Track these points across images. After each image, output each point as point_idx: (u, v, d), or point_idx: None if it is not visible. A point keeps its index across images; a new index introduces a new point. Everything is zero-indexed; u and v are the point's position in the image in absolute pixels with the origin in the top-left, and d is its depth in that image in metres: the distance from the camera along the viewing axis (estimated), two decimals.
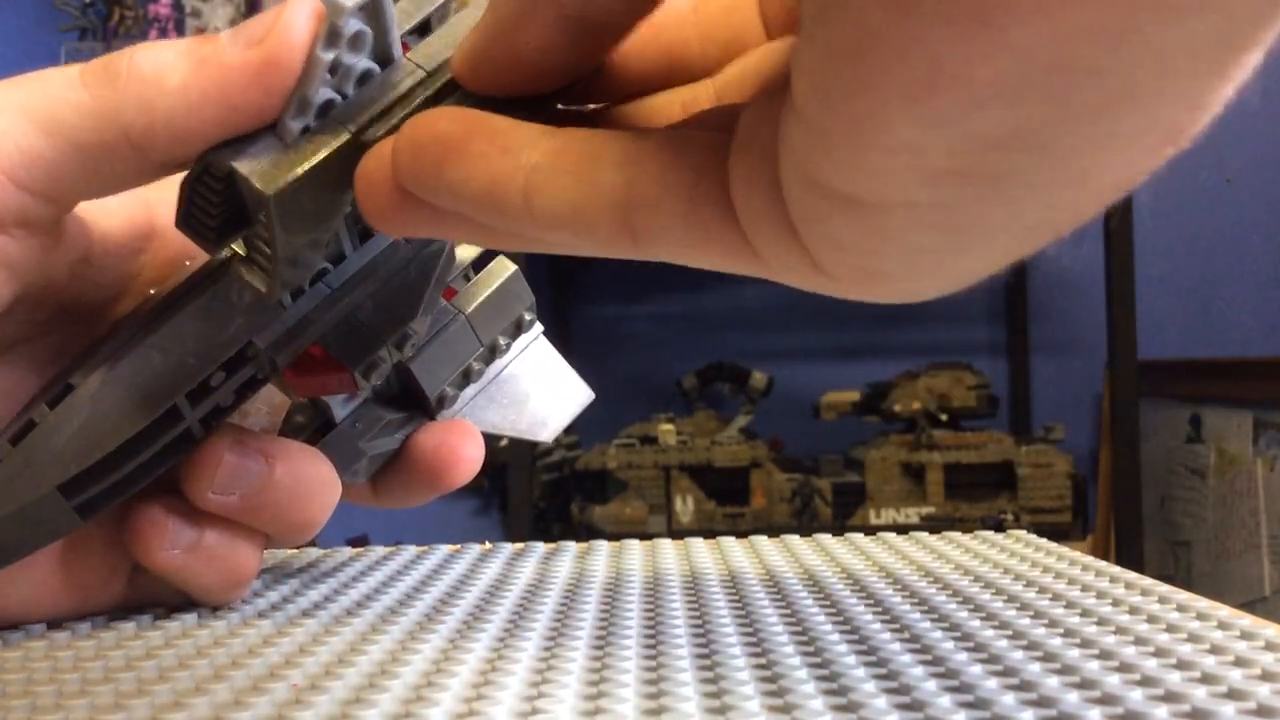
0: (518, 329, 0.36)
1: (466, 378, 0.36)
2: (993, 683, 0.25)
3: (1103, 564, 0.39)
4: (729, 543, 0.45)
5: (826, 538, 0.46)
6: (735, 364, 2.01)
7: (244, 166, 0.27)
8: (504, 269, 0.36)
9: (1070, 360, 2.11)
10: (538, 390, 0.38)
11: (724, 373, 2.00)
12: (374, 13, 0.27)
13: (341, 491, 0.34)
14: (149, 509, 0.31)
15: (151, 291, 0.32)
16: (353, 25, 0.27)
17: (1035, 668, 0.26)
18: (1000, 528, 0.49)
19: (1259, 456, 1.72)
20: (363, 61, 0.27)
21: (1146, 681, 0.25)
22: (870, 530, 0.51)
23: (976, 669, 0.26)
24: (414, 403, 0.35)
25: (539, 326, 0.37)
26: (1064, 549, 0.43)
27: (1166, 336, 1.97)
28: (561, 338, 2.14)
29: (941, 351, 2.01)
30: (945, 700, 0.24)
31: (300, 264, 0.29)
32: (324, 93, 0.27)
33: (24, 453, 0.29)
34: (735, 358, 2.02)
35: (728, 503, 1.83)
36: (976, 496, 1.80)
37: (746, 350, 2.08)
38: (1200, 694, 0.24)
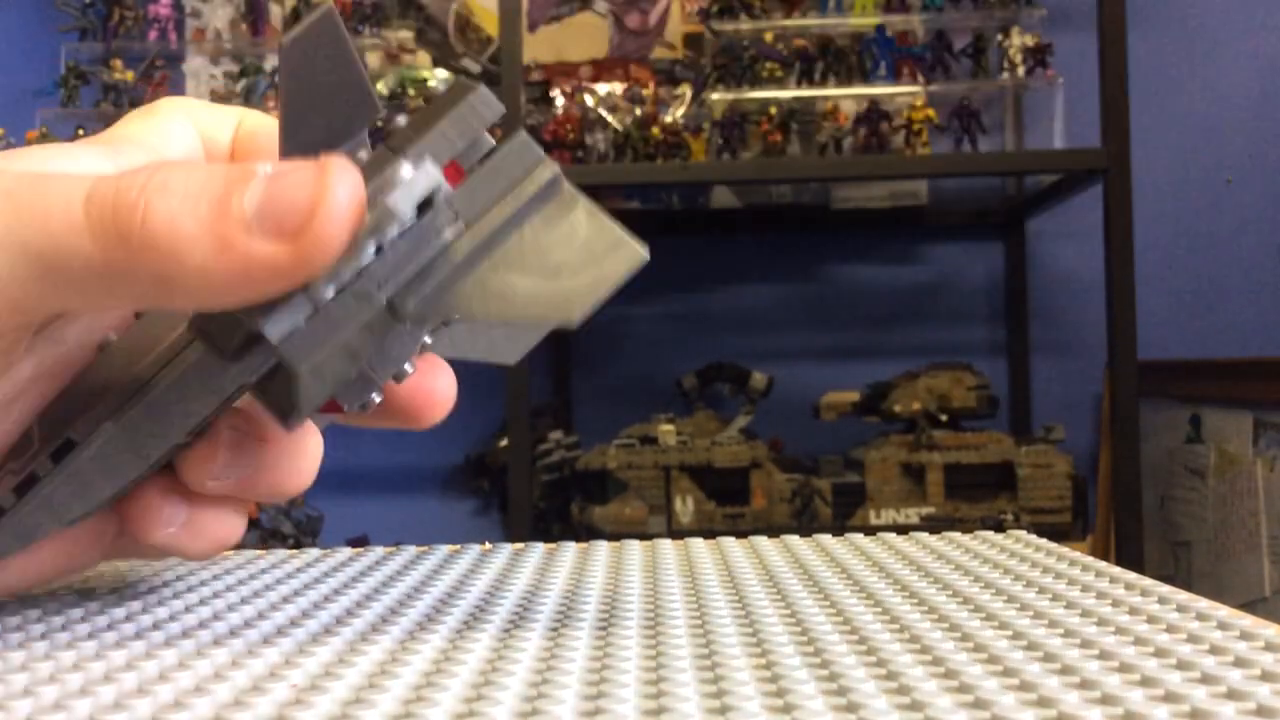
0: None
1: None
2: (993, 683, 0.25)
3: (1103, 564, 0.39)
4: (729, 543, 0.45)
5: (826, 538, 0.46)
6: (735, 364, 2.00)
7: (274, 333, 0.26)
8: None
9: (1070, 360, 2.11)
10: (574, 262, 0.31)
11: (724, 373, 2.00)
12: (425, 204, 0.26)
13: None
14: (143, 492, 0.31)
15: (112, 336, 0.31)
16: (402, 214, 0.26)
17: (1035, 668, 0.26)
18: (1000, 528, 0.49)
19: (1259, 456, 1.72)
20: (403, 221, 0.27)
21: (1146, 682, 0.25)
22: (870, 530, 0.51)
23: (976, 669, 0.26)
24: None
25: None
26: (1064, 549, 0.43)
27: (1166, 336, 1.97)
28: (562, 338, 2.14)
29: (941, 352, 2.01)
30: (945, 700, 0.24)
31: (322, 398, 0.29)
32: (360, 262, 0.27)
33: (28, 503, 0.30)
34: (735, 358, 2.02)
35: (728, 503, 1.83)
36: (976, 497, 1.80)
37: (746, 350, 2.08)
38: (1200, 694, 0.24)
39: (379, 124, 0.27)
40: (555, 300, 0.28)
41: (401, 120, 0.31)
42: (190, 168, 0.26)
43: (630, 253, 0.29)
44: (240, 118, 0.35)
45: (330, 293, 0.27)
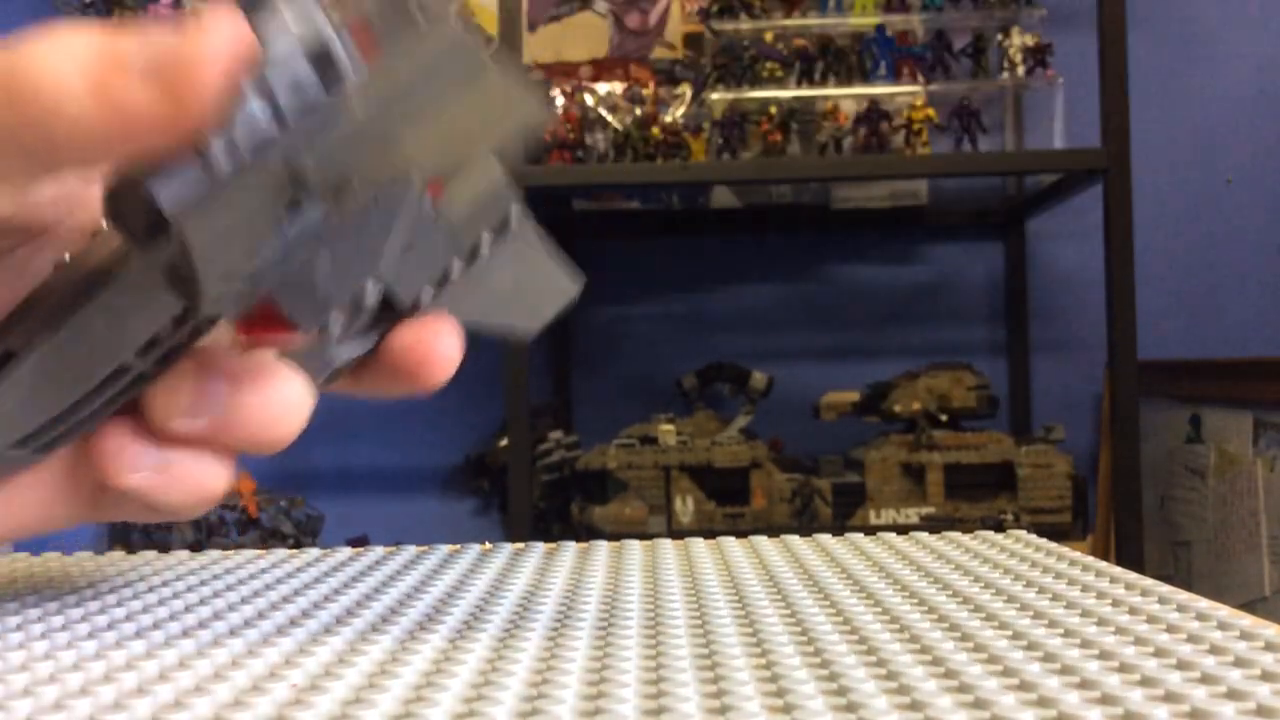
0: (503, 228, 0.31)
1: (445, 281, 0.31)
2: (993, 683, 0.25)
3: (1103, 564, 0.39)
4: (729, 543, 0.45)
5: (826, 538, 0.46)
6: (735, 364, 2.00)
7: (165, 197, 0.25)
8: (490, 169, 0.30)
9: (1070, 360, 2.11)
10: (523, 280, 0.32)
11: (724, 373, 2.00)
12: (319, 57, 0.25)
13: (315, 398, 0.32)
14: (113, 431, 0.30)
15: (67, 257, 0.30)
16: (290, 73, 0.25)
17: (1035, 668, 0.26)
18: (1000, 528, 0.49)
19: (1259, 456, 1.72)
20: (305, 89, 0.25)
21: (1146, 682, 0.25)
22: (870, 530, 0.51)
23: (976, 669, 0.26)
24: (387, 303, 0.31)
25: (520, 212, 0.32)
26: (1064, 549, 0.43)
27: (1166, 336, 1.97)
28: (561, 337, 2.14)
29: (941, 351, 2.01)
30: (945, 700, 0.24)
31: (231, 278, 0.27)
32: (256, 126, 0.25)
33: None
34: (735, 358, 2.02)
35: (728, 503, 1.83)
36: (976, 497, 1.80)
37: (746, 350, 2.08)
38: (1200, 694, 0.24)
39: None
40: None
41: None
42: (87, 27, 0.25)
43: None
44: None
45: (227, 164, 0.25)
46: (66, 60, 0.25)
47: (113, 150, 0.25)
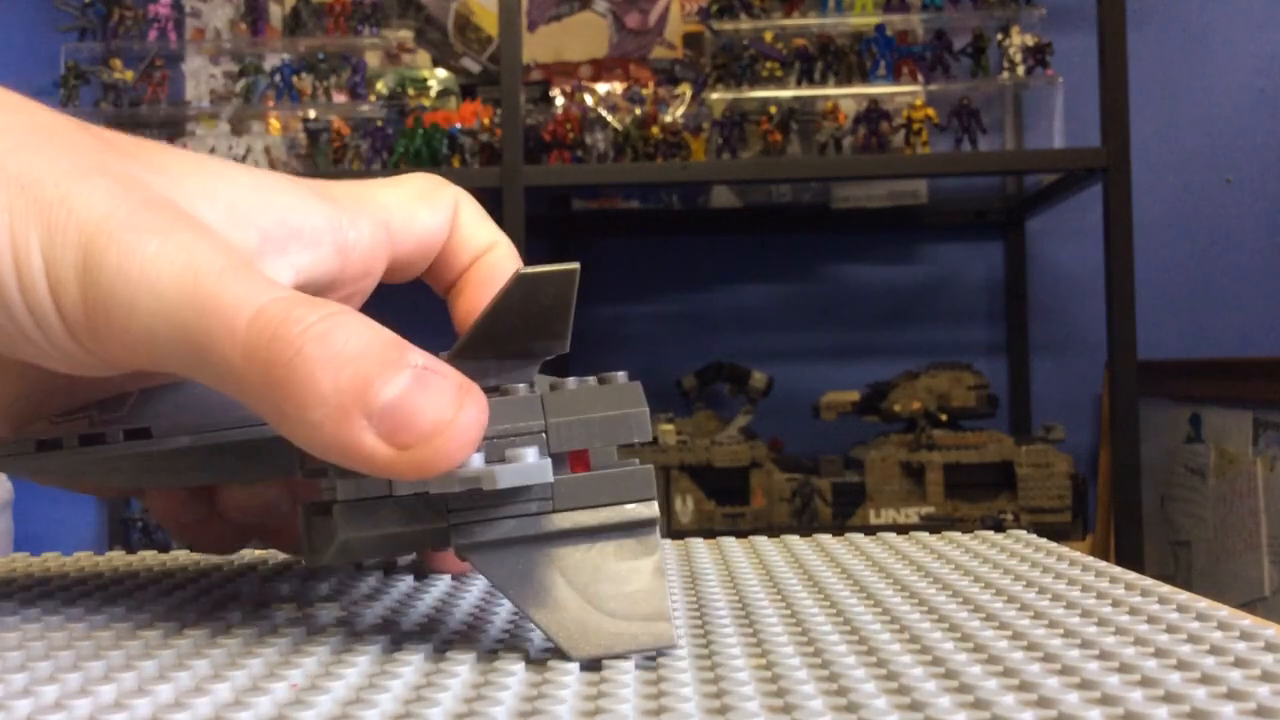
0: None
1: None
2: (993, 683, 0.25)
3: (1103, 564, 0.39)
4: (729, 543, 0.45)
5: (826, 538, 0.46)
6: (735, 364, 2.01)
7: (341, 493, 0.28)
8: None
9: (1070, 360, 2.11)
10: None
11: (724, 373, 2.00)
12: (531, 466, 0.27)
13: None
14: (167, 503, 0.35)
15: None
16: (501, 487, 0.27)
17: (1035, 668, 0.26)
18: (1000, 528, 0.49)
19: (1259, 456, 1.72)
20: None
21: (1146, 682, 0.25)
22: (870, 530, 0.51)
23: (976, 669, 0.26)
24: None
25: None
26: (1064, 549, 0.43)
27: (1166, 336, 1.97)
28: None
29: (941, 351, 2.01)
30: (945, 700, 0.24)
31: (341, 561, 0.31)
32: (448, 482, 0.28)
33: (85, 454, 0.32)
34: (735, 358, 2.02)
35: (728, 503, 1.83)
36: (976, 496, 1.80)
37: (746, 350, 2.08)
38: (1200, 695, 0.24)
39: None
40: (574, 624, 0.28)
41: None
42: (358, 329, 0.26)
43: (661, 633, 0.28)
44: (495, 243, 0.36)
45: (407, 489, 0.27)
46: (328, 370, 0.25)
47: (329, 457, 0.26)
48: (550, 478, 0.27)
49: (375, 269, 0.34)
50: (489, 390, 0.28)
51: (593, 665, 0.28)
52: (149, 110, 1.97)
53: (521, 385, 0.29)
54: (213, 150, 1.94)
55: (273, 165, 1.92)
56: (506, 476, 0.27)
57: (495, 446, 0.28)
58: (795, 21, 1.92)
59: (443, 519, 0.28)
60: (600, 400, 0.29)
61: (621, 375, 0.30)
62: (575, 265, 0.28)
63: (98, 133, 0.30)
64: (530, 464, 0.27)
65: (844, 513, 1.80)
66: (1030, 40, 1.87)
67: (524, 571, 0.28)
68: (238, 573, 0.40)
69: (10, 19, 2.15)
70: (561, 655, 0.28)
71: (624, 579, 0.29)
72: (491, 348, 0.29)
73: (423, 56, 2.15)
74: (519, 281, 0.28)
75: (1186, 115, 2.10)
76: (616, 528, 0.29)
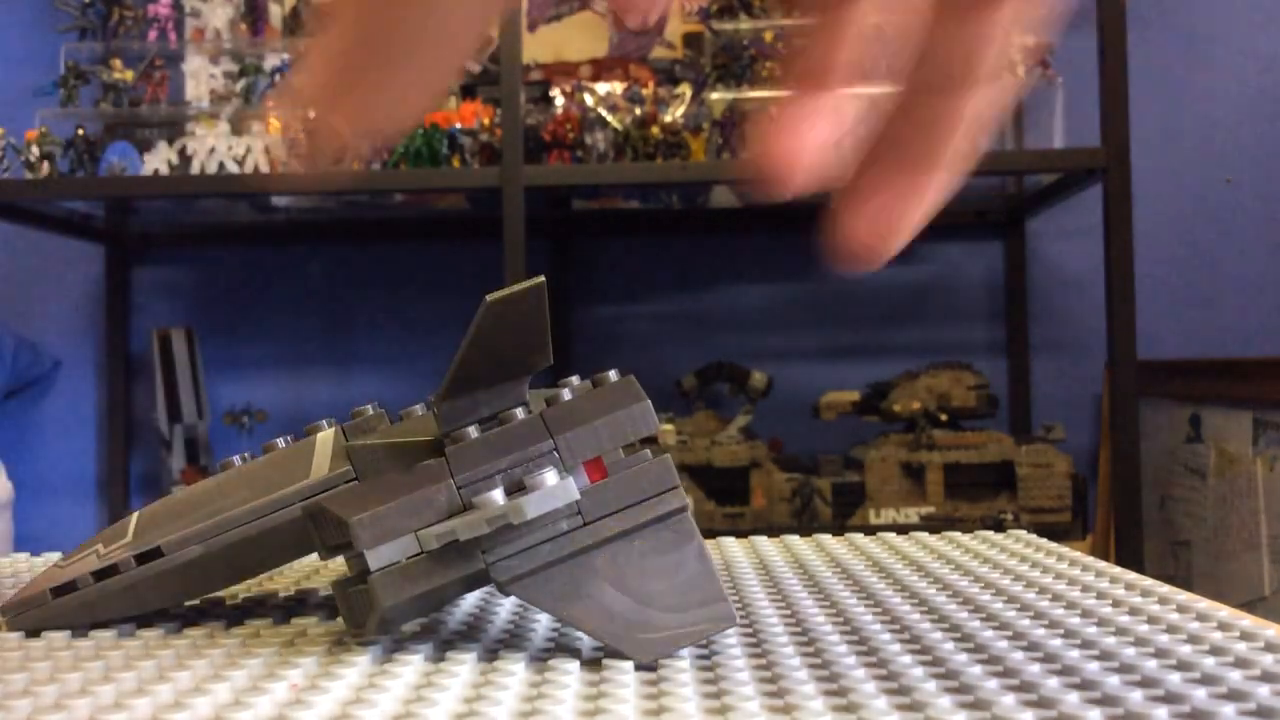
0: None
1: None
2: (993, 683, 0.25)
3: (1103, 564, 0.39)
4: (729, 543, 0.45)
5: (826, 538, 0.46)
6: (735, 364, 2.00)
7: (374, 561, 0.28)
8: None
9: (1070, 360, 2.11)
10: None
11: (724, 373, 2.00)
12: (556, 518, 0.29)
13: None
14: None
15: (236, 461, 0.33)
16: (530, 516, 0.28)
17: (1035, 668, 0.26)
18: (1000, 528, 0.49)
19: (1259, 456, 1.72)
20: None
21: (1147, 682, 0.25)
22: (870, 530, 0.51)
23: (976, 669, 0.26)
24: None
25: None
26: (1064, 549, 0.43)
27: (1166, 336, 1.97)
28: (561, 338, 2.14)
29: (941, 351, 2.00)
30: (945, 700, 0.24)
31: (389, 630, 0.31)
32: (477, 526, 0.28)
33: (101, 588, 0.32)
34: (735, 358, 2.02)
35: (728, 503, 1.83)
36: (976, 496, 1.80)
37: (746, 350, 2.08)
38: (1200, 695, 0.24)
39: None
40: (635, 627, 0.28)
41: None
42: None
43: (723, 614, 0.29)
44: None
45: (436, 542, 0.28)
46: None
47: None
48: (575, 495, 0.28)
49: None
50: (486, 423, 0.29)
51: (593, 665, 0.28)
52: (149, 110, 1.97)
53: (518, 409, 0.29)
54: (213, 150, 1.93)
55: (273, 165, 1.92)
56: (533, 505, 0.27)
57: (511, 477, 0.28)
58: (795, 21, 1.92)
59: (478, 561, 0.28)
60: (599, 403, 0.29)
61: (612, 374, 0.30)
62: (540, 279, 0.28)
63: None
64: (553, 486, 0.27)
65: (844, 513, 1.80)
66: (1030, 40, 1.87)
67: (571, 590, 0.28)
68: None
69: (10, 19, 2.15)
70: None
71: (671, 571, 0.29)
72: (479, 380, 0.30)
73: None
74: (488, 309, 0.28)
75: (1186, 115, 2.10)
76: (649, 524, 0.29)
